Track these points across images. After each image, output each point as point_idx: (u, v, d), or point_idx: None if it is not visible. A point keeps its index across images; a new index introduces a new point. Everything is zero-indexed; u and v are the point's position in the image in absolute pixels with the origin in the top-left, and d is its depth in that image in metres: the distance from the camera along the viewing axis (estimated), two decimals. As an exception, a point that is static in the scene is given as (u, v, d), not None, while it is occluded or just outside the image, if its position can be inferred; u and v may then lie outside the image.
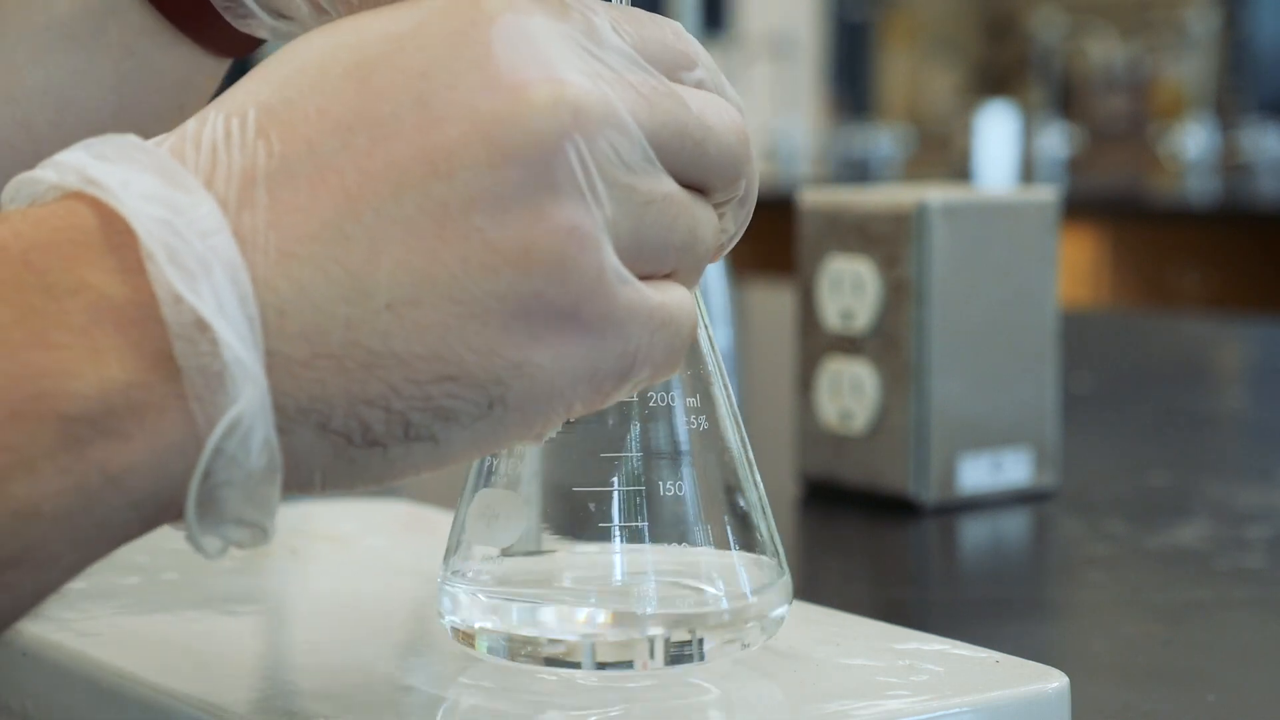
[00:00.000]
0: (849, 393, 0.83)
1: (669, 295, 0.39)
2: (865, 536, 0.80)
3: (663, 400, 0.45)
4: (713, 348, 0.46)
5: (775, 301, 1.77)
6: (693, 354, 0.45)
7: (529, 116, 0.36)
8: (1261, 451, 1.08)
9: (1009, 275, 0.83)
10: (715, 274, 1.03)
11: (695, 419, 0.45)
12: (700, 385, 0.45)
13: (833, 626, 0.51)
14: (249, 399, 0.34)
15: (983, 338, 0.82)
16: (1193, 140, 4.52)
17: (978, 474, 0.82)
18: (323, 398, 0.35)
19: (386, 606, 0.53)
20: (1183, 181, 4.29)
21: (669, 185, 0.39)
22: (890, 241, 0.81)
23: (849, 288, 0.83)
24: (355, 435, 0.36)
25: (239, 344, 0.34)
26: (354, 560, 0.59)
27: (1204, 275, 3.55)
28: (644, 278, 0.39)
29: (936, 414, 0.81)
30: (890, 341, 0.82)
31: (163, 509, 0.35)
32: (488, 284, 0.36)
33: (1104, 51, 5.02)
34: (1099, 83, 5.02)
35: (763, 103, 4.89)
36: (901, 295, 0.81)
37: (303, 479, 0.36)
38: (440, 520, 0.64)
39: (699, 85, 0.40)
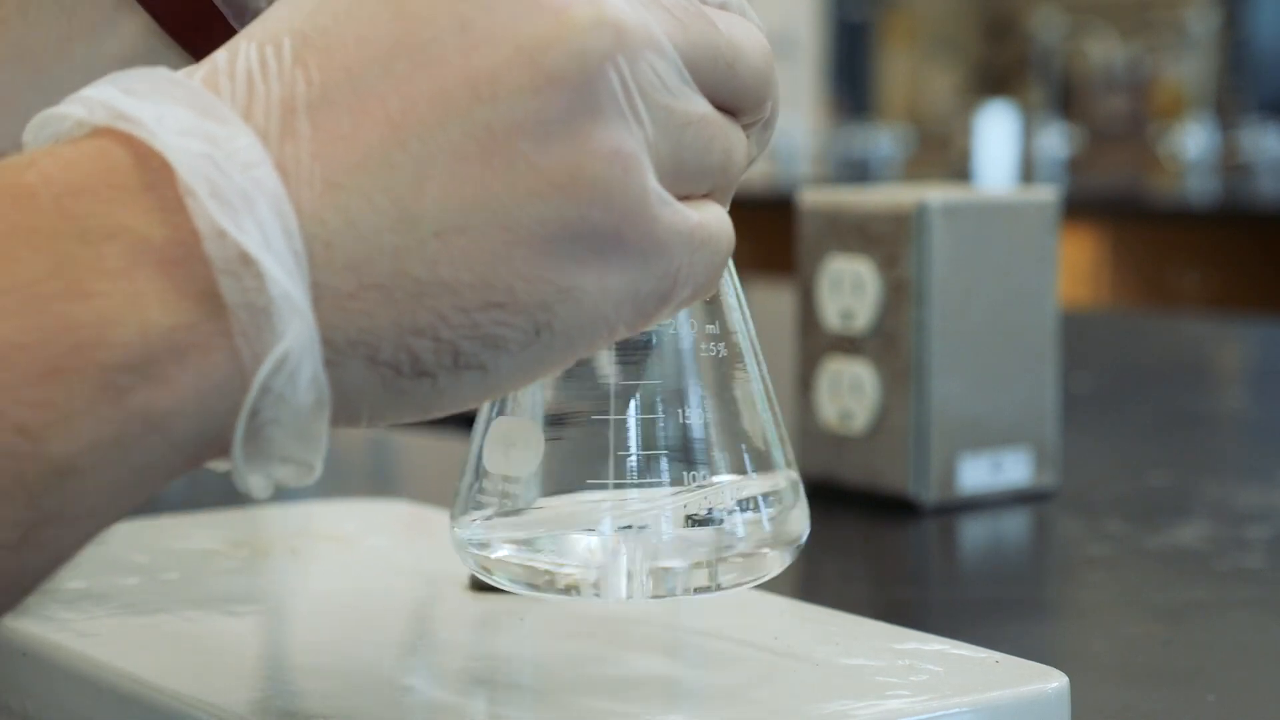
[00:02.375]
0: (849, 393, 0.83)
1: (707, 215, 0.39)
2: (865, 536, 0.80)
3: (680, 328, 0.44)
4: (734, 281, 0.46)
5: (775, 301, 1.77)
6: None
7: (571, 38, 0.36)
8: (1261, 451, 1.08)
9: (1009, 275, 0.83)
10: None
11: (713, 346, 0.45)
12: (719, 314, 0.45)
13: (833, 626, 0.51)
14: (296, 334, 0.34)
15: (983, 338, 0.82)
16: (1193, 140, 4.52)
17: (978, 474, 0.82)
18: (371, 329, 0.35)
19: (387, 606, 0.53)
20: (1183, 181, 4.29)
21: (704, 106, 0.39)
22: (890, 241, 0.81)
23: (849, 288, 0.83)
24: (404, 366, 0.36)
25: (285, 278, 0.34)
26: (354, 560, 0.59)
27: (1204, 275, 3.55)
28: (681, 199, 0.39)
29: (936, 414, 0.81)
30: (890, 341, 0.82)
31: (205, 448, 0.34)
32: (534, 209, 0.36)
33: (1104, 51, 5.02)
34: (1099, 83, 5.03)
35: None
36: (901, 295, 0.81)
37: (350, 413, 0.36)
38: (441, 520, 0.64)
39: (723, 8, 0.41)
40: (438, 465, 0.97)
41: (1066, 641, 0.65)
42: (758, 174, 4.43)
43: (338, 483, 0.94)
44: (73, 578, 0.55)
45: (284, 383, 0.34)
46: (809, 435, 0.85)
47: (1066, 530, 0.81)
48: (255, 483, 0.36)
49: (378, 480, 0.99)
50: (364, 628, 0.50)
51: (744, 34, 0.40)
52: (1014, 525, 0.82)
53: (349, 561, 0.59)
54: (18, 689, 0.50)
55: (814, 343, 0.85)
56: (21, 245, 0.33)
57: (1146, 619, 0.65)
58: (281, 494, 0.93)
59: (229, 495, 0.92)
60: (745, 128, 0.41)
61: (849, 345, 0.83)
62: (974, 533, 0.81)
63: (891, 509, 0.81)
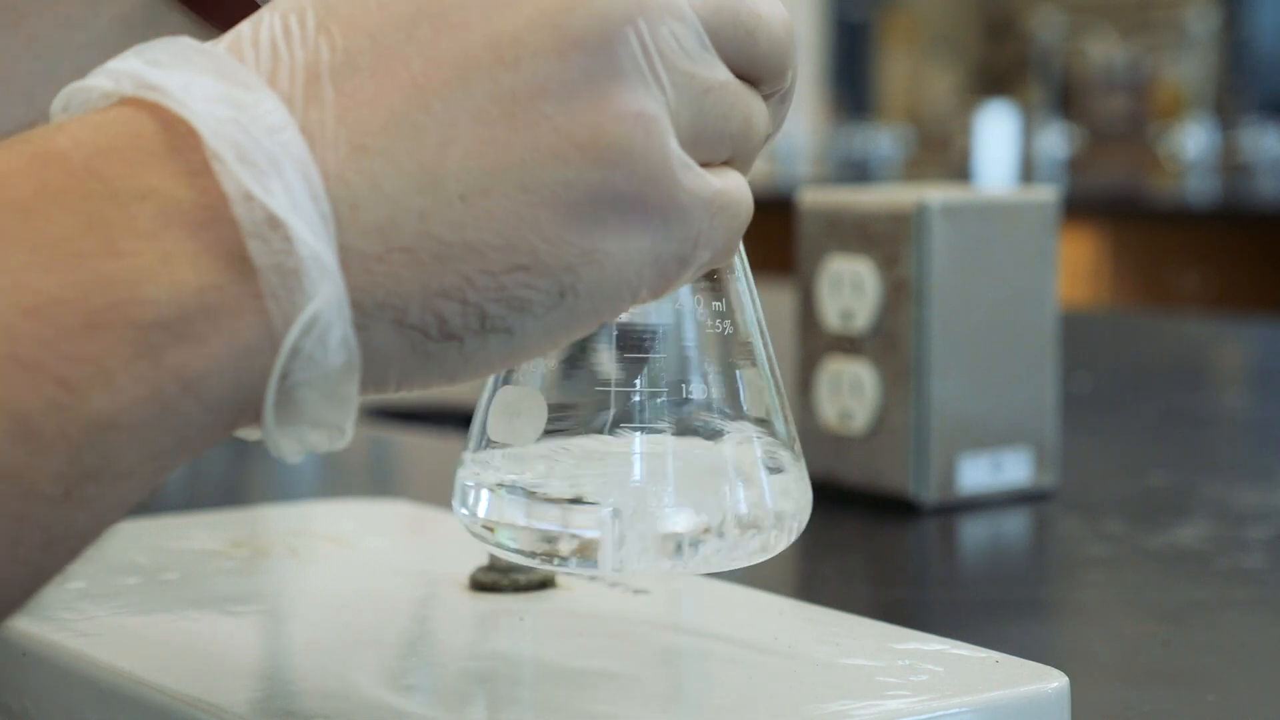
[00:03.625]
0: (849, 393, 0.83)
1: (727, 181, 0.40)
2: (865, 536, 0.80)
3: (687, 303, 0.44)
4: (744, 262, 0.46)
5: (775, 301, 1.77)
6: (721, 269, 0.45)
7: (592, 1, 0.37)
8: (1261, 451, 1.08)
9: (1009, 275, 0.83)
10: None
11: (720, 323, 0.45)
12: (726, 291, 0.45)
13: (833, 626, 0.51)
14: (326, 296, 0.34)
15: (983, 338, 0.82)
16: (1192, 140, 4.53)
17: (977, 474, 0.82)
18: (398, 292, 0.35)
19: (386, 606, 0.53)
20: (1182, 181, 4.29)
21: (725, 74, 0.39)
22: (890, 241, 0.81)
23: (849, 288, 0.83)
24: (432, 329, 0.36)
25: (313, 240, 0.34)
26: (354, 560, 0.59)
27: (1204, 275, 3.55)
28: (702, 165, 0.39)
29: (936, 414, 0.81)
30: (890, 341, 0.82)
31: (239, 413, 0.35)
32: (558, 172, 0.36)
33: (1104, 51, 5.02)
34: (1099, 83, 5.03)
35: (763, 103, 4.88)
36: (901, 295, 0.81)
37: (379, 377, 0.36)
38: (440, 520, 0.64)
39: None
40: (438, 465, 0.97)
41: (1066, 641, 0.65)
42: (758, 174, 4.42)
43: (338, 483, 0.94)
44: (73, 578, 0.55)
45: (314, 344, 0.34)
46: (809, 435, 0.85)
47: (1066, 530, 0.81)
48: (287, 447, 0.36)
49: (378, 480, 0.99)
50: (364, 628, 0.50)
51: (765, 3, 0.40)
52: (1014, 525, 0.82)
53: (349, 561, 0.59)
54: (18, 689, 0.50)
55: (814, 343, 0.85)
56: (53, 204, 0.33)
57: (1146, 619, 0.65)
58: (281, 494, 0.93)
59: (229, 495, 0.92)
60: (765, 98, 0.41)
61: (849, 345, 0.83)
62: (974, 533, 0.81)
63: (891, 509, 0.81)
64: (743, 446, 0.44)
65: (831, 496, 0.84)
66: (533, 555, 0.44)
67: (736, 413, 0.45)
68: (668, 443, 0.44)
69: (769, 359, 0.46)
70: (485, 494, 0.44)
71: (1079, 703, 0.46)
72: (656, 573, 0.44)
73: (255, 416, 0.35)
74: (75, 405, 0.32)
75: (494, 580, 0.53)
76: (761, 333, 0.45)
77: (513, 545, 0.44)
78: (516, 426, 0.44)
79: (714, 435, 0.44)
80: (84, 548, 0.34)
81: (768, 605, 0.53)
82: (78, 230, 0.33)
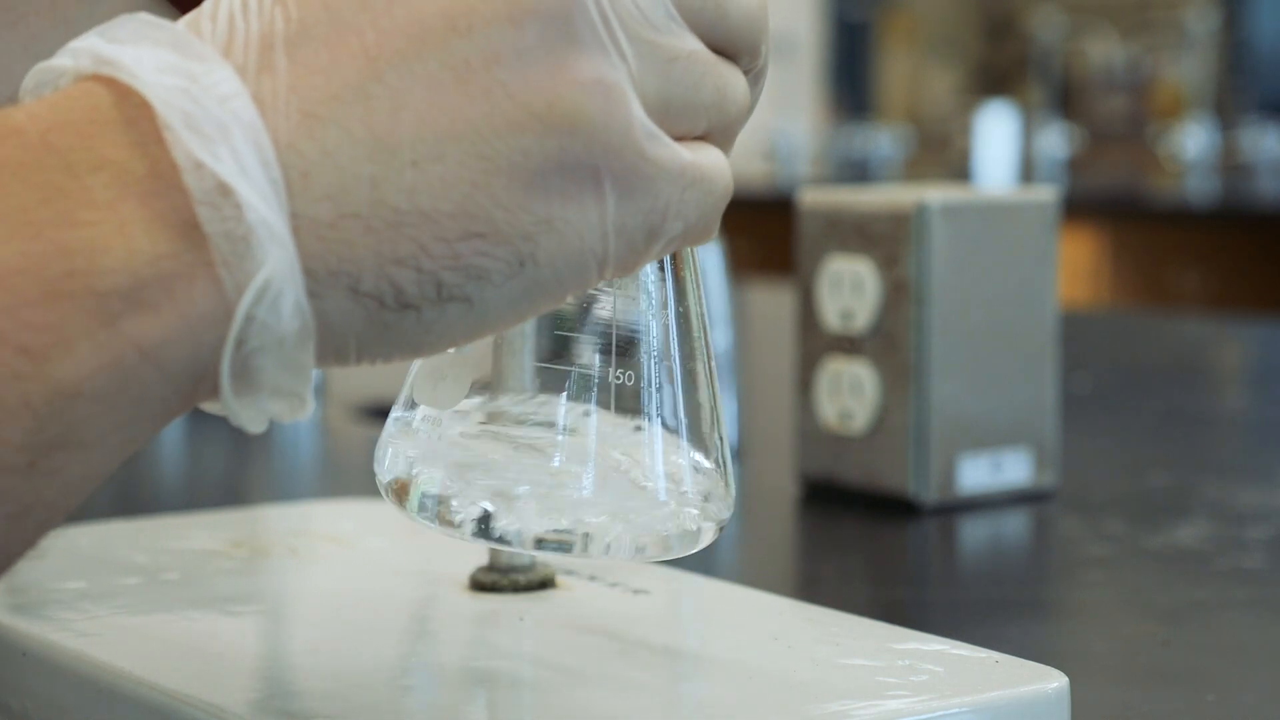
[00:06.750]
0: (849, 393, 0.83)
1: (701, 155, 0.39)
2: (865, 536, 0.80)
3: (631, 292, 0.44)
4: (693, 264, 0.45)
5: (775, 301, 1.77)
6: (674, 260, 0.44)
7: None
8: (1261, 451, 1.08)
9: (1009, 275, 0.83)
10: (714, 273, 1.03)
11: (663, 316, 0.44)
12: (674, 289, 0.44)
13: (833, 626, 0.51)
14: (277, 262, 0.34)
15: (983, 338, 0.82)
16: (1192, 140, 4.53)
17: (977, 474, 0.82)
18: (351, 259, 0.35)
19: (386, 606, 0.53)
20: (1182, 181, 4.29)
21: (693, 44, 0.39)
22: (890, 241, 0.81)
23: (849, 288, 0.83)
24: (387, 298, 0.36)
25: (263, 206, 0.34)
26: (354, 560, 0.59)
27: (1203, 275, 3.55)
28: (677, 139, 0.38)
29: (936, 414, 0.81)
30: (890, 341, 0.82)
31: (198, 382, 0.35)
32: (513, 139, 0.36)
33: (1104, 51, 5.02)
34: (1099, 83, 5.03)
35: (762, 103, 4.88)
36: (901, 295, 0.81)
37: (338, 346, 0.36)
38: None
39: None
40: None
41: (1066, 641, 0.65)
42: (758, 174, 4.43)
43: (338, 483, 0.94)
44: (73, 578, 0.55)
45: (267, 311, 0.35)
46: (809, 435, 0.85)
47: (1066, 530, 0.81)
48: (248, 417, 0.36)
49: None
50: (364, 628, 0.50)
51: None
52: (1014, 525, 0.82)
53: (348, 561, 0.59)
54: (18, 689, 0.50)
55: (814, 343, 0.85)
56: (10, 177, 0.33)
57: (1146, 619, 0.65)
58: (281, 494, 0.93)
59: (229, 495, 0.92)
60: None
61: (849, 345, 0.83)
62: (974, 533, 0.81)
63: (891, 509, 0.81)
64: (669, 441, 0.44)
65: (831, 496, 0.84)
66: (443, 523, 0.43)
67: (665, 404, 0.44)
68: (591, 430, 0.43)
69: (708, 359, 0.45)
70: (401, 459, 0.44)
71: (1079, 703, 0.46)
72: (548, 557, 0.43)
73: (215, 386, 0.35)
74: (37, 373, 0.33)
75: (494, 580, 0.53)
76: (705, 333, 0.45)
77: (423, 510, 0.43)
78: (440, 391, 0.44)
79: (640, 425, 0.43)
80: (53, 521, 0.34)
81: (768, 605, 0.53)
82: (34, 201, 0.33)
